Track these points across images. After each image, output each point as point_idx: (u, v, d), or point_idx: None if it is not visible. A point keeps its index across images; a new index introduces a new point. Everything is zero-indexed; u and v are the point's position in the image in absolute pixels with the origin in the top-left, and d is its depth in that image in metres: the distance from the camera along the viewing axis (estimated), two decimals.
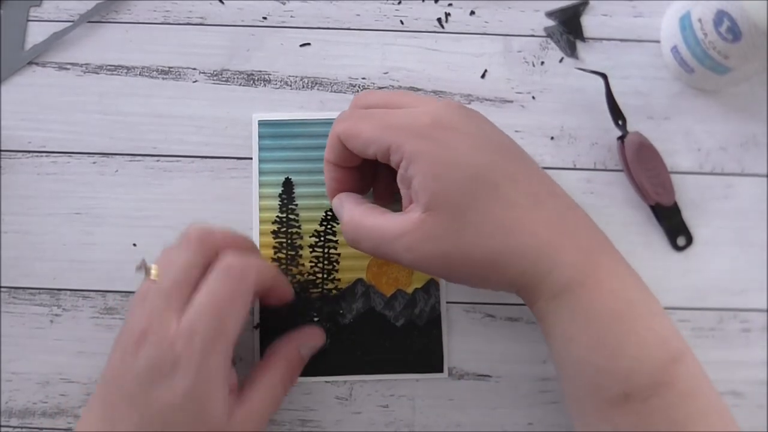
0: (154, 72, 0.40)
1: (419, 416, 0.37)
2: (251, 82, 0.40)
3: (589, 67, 0.40)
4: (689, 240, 0.39)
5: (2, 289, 0.38)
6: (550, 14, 0.42)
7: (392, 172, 0.32)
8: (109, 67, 0.40)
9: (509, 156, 0.31)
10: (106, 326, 0.38)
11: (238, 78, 0.40)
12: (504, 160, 0.30)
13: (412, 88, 0.41)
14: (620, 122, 0.39)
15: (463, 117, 0.31)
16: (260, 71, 0.41)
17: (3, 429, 0.37)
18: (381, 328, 0.37)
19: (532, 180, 0.31)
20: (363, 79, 0.41)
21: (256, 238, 0.38)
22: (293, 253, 0.38)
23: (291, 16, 0.41)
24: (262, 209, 0.38)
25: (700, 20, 0.37)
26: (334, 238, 0.38)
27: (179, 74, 0.40)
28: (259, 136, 0.39)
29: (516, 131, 0.40)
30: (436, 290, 0.38)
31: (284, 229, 0.38)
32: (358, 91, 0.40)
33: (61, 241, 0.38)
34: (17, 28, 0.41)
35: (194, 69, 0.40)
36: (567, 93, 0.41)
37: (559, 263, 0.29)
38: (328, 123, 0.39)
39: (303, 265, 0.38)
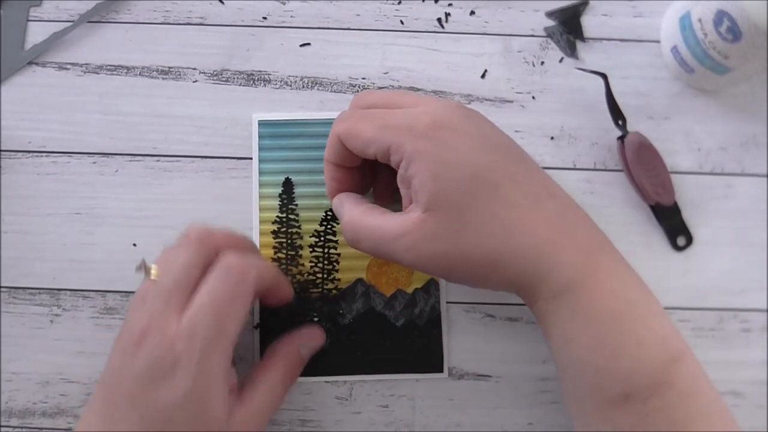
0: (154, 72, 0.40)
1: (419, 416, 0.37)
2: (251, 82, 0.40)
3: (589, 67, 0.40)
4: (689, 240, 0.39)
5: (2, 289, 0.38)
6: (550, 14, 0.42)
7: (392, 172, 0.32)
8: (109, 67, 0.40)
9: (509, 156, 0.31)
10: (106, 326, 0.38)
11: (238, 78, 0.40)
12: (504, 160, 0.30)
13: (412, 88, 0.41)
14: (620, 122, 0.39)
15: (463, 117, 0.31)
16: (260, 71, 0.41)
17: (3, 429, 0.37)
18: (381, 328, 0.37)
19: (532, 180, 0.31)
20: (363, 79, 0.41)
21: (256, 238, 0.38)
22: (293, 253, 0.38)
23: (291, 16, 0.41)
24: (262, 209, 0.38)
25: (700, 20, 0.37)
26: (334, 238, 0.38)
27: (179, 74, 0.40)
28: (259, 136, 0.39)
29: (516, 131, 0.40)
30: (436, 290, 0.38)
31: (284, 229, 0.38)
32: (358, 91, 0.40)
33: (61, 241, 0.38)
34: (17, 28, 0.41)
35: (194, 69, 0.40)
36: (567, 93, 0.41)
37: (559, 263, 0.29)
38: (328, 123, 0.39)
39: (303, 265, 0.38)
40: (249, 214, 0.38)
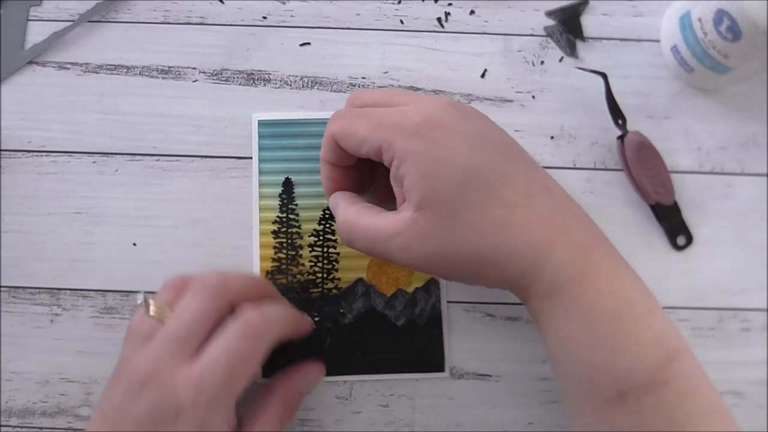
0: (154, 72, 0.40)
1: (419, 416, 0.37)
2: (251, 81, 0.40)
3: (589, 66, 0.40)
4: (689, 239, 0.39)
5: (2, 289, 0.38)
6: (549, 14, 0.42)
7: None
8: (109, 67, 0.40)
9: (506, 154, 0.31)
10: (106, 326, 0.38)
11: (237, 78, 0.40)
12: (500, 158, 0.30)
13: (412, 88, 0.41)
14: (620, 122, 0.39)
15: (456, 115, 0.30)
16: (260, 71, 0.41)
17: (3, 429, 0.37)
18: (381, 328, 0.37)
19: (528, 178, 0.30)
20: (363, 78, 0.41)
21: (256, 238, 0.38)
22: (293, 252, 0.38)
23: (291, 16, 0.41)
24: (262, 209, 0.38)
25: (700, 20, 0.37)
26: (333, 237, 0.38)
27: (179, 74, 0.40)
28: (259, 136, 0.39)
29: (516, 131, 0.40)
30: (436, 290, 0.38)
31: (284, 229, 0.38)
32: None
33: (61, 240, 0.38)
34: (17, 27, 0.41)
35: (194, 69, 0.40)
36: (567, 92, 0.41)
37: (555, 261, 0.29)
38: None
39: (303, 264, 0.38)
40: (249, 213, 0.38)
